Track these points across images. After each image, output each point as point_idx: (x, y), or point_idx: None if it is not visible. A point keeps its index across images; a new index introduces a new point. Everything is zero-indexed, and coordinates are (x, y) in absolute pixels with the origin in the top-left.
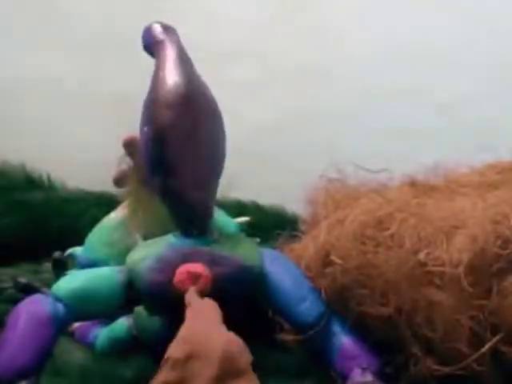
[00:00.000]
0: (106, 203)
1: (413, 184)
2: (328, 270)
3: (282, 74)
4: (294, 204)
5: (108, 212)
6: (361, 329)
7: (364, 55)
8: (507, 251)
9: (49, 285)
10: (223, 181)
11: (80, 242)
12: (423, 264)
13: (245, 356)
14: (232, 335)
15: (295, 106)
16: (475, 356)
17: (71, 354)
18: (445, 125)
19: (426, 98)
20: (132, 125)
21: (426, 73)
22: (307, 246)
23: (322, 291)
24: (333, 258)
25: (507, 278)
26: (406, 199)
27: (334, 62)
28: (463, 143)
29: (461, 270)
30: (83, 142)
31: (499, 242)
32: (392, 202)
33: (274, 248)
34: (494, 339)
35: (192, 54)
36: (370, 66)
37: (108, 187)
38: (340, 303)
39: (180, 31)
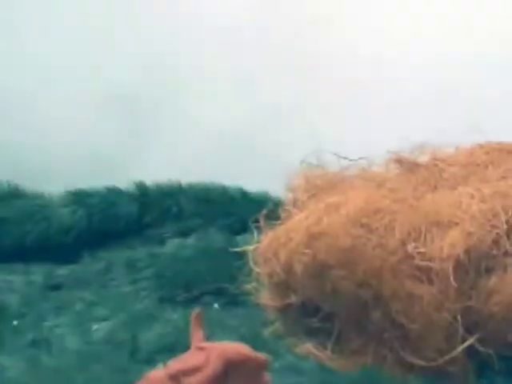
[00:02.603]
0: None
1: (399, 161)
2: (312, 245)
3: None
4: (278, 190)
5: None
6: (333, 310)
7: (352, 44)
8: (498, 251)
9: None
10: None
11: None
12: (410, 256)
13: None
14: None
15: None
16: (452, 354)
17: None
18: (432, 111)
19: (414, 84)
20: None
21: (413, 59)
22: (297, 226)
23: (301, 267)
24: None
25: (493, 278)
26: (405, 190)
27: (322, 54)
28: (450, 126)
29: (450, 265)
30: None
31: (492, 241)
32: (391, 192)
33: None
34: (472, 339)
35: None
36: (358, 56)
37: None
38: (316, 281)
39: None
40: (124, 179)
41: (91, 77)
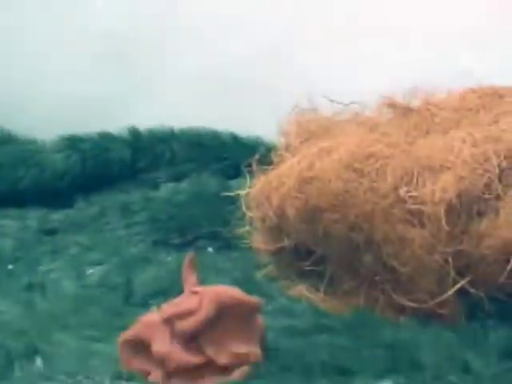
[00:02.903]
0: None
1: (391, 105)
2: (304, 190)
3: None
4: (270, 135)
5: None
6: (326, 253)
7: None
8: (490, 195)
9: None
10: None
11: None
12: (402, 200)
13: None
14: None
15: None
16: (443, 297)
17: None
18: (421, 54)
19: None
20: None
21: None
22: (289, 171)
23: (293, 211)
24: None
25: (484, 222)
26: (397, 135)
27: None
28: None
29: (442, 208)
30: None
31: (484, 185)
32: (384, 136)
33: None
34: (463, 281)
35: None
36: None
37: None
38: (308, 225)
39: None
40: (117, 125)
41: (82, 25)
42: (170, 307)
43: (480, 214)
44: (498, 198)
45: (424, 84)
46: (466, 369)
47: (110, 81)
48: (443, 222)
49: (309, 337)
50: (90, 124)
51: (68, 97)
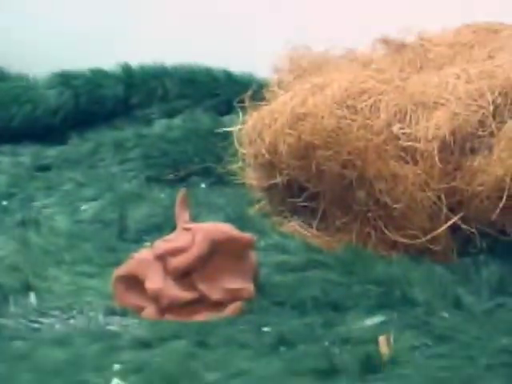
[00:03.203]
0: None
1: (385, 42)
2: (297, 126)
3: None
4: (263, 71)
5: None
6: (319, 190)
7: None
8: (484, 132)
9: None
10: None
11: None
12: (395, 137)
13: None
14: None
15: None
16: (436, 233)
17: None
18: None
19: None
20: None
21: None
22: (282, 107)
23: (286, 148)
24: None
25: (478, 158)
26: (391, 71)
27: None
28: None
29: (435, 145)
30: None
31: (478, 122)
32: (377, 73)
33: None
34: (455, 218)
35: None
36: None
37: None
38: (301, 162)
39: None
40: (110, 61)
41: None
42: (163, 244)
43: (473, 151)
44: (491, 134)
45: (419, 20)
46: (457, 304)
47: (101, 17)
48: (436, 158)
49: (301, 272)
50: (80, 61)
51: (60, 31)
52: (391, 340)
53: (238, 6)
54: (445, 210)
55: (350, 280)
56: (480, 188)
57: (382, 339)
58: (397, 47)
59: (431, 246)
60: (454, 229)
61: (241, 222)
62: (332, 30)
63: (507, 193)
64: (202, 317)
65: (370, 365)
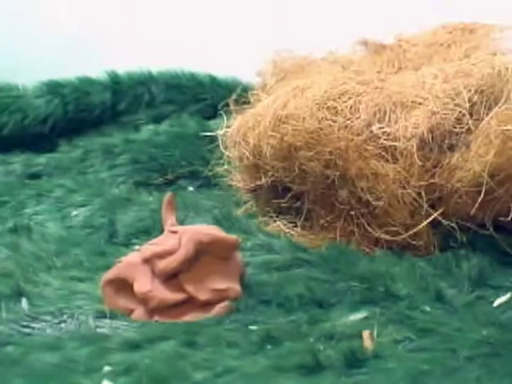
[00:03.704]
0: None
1: (364, 43)
2: (279, 128)
3: None
4: (247, 75)
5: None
6: (302, 190)
7: None
8: (461, 129)
9: None
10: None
11: None
12: (375, 137)
13: None
14: None
15: None
16: (417, 229)
17: None
18: None
19: None
20: None
21: None
22: (265, 110)
23: (269, 150)
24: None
25: (456, 155)
26: (370, 72)
27: None
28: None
29: (413, 143)
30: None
31: (455, 119)
32: (357, 74)
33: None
34: (436, 213)
35: None
36: None
37: None
38: (284, 163)
39: None
40: (96, 69)
41: None
42: (150, 247)
43: (451, 148)
44: (469, 131)
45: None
46: (439, 298)
47: (87, 26)
48: (415, 156)
49: (287, 271)
50: (69, 65)
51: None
52: (374, 334)
53: (222, 12)
54: (425, 206)
55: (334, 277)
56: (458, 184)
57: (365, 334)
58: (376, 48)
59: (413, 242)
60: (435, 224)
61: (228, 222)
62: (314, 34)
63: (485, 188)
64: (190, 317)
65: (354, 360)
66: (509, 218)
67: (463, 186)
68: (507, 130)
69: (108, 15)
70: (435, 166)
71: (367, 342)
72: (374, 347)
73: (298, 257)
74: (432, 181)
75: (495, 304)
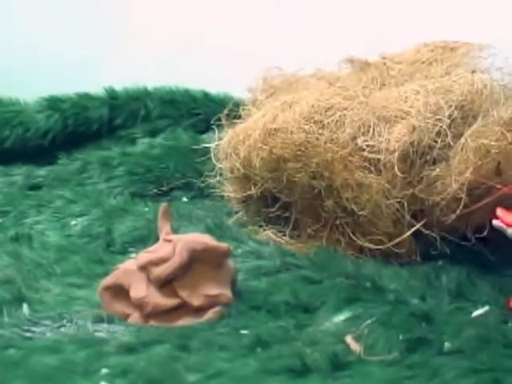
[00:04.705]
0: None
1: (350, 61)
2: (269, 141)
3: None
4: (238, 91)
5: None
6: (290, 200)
7: None
8: (441, 143)
9: None
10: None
11: None
12: (360, 149)
13: None
14: None
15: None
16: (401, 238)
17: None
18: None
19: None
20: None
21: None
22: (255, 124)
23: (259, 161)
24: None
25: (436, 169)
26: (355, 88)
27: None
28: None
29: (395, 156)
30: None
31: (435, 134)
32: (342, 90)
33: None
34: (418, 225)
35: None
36: None
37: None
38: (273, 174)
39: None
40: (95, 83)
41: None
42: (146, 255)
43: (432, 162)
44: (448, 146)
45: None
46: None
47: (85, 46)
48: (396, 169)
49: (275, 276)
50: (66, 86)
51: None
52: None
53: (215, 31)
54: (407, 216)
55: (321, 276)
56: (438, 197)
57: (349, 338)
58: (361, 65)
59: (396, 250)
60: (417, 234)
61: (220, 231)
62: (302, 52)
63: (464, 202)
64: (184, 322)
65: (339, 362)
66: (485, 233)
67: (443, 200)
68: (484, 145)
69: (105, 36)
70: (417, 179)
71: (354, 346)
72: (361, 348)
73: (286, 261)
74: (414, 193)
75: (473, 315)
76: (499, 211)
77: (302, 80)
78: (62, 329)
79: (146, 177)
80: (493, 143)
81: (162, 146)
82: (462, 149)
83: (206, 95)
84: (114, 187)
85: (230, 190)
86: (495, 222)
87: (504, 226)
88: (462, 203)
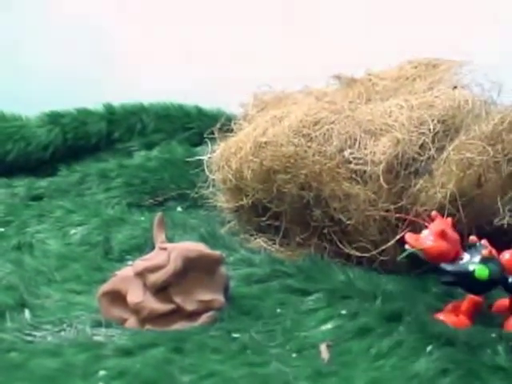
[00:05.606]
0: None
1: (337, 77)
2: (259, 154)
3: None
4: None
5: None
6: (280, 210)
7: None
8: (424, 156)
9: None
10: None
11: None
12: (347, 161)
13: None
14: None
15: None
16: (386, 246)
17: None
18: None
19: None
20: None
21: None
22: (246, 137)
23: (250, 173)
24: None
25: (419, 181)
26: (342, 102)
27: None
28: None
29: (380, 168)
30: None
31: (419, 147)
32: (330, 105)
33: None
34: (402, 233)
35: None
36: None
37: None
38: (264, 185)
39: None
40: (93, 99)
41: (56, 11)
42: (142, 262)
43: (416, 174)
44: (432, 158)
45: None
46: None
47: (84, 63)
48: (381, 180)
49: (265, 283)
50: (68, 97)
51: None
52: (330, 346)
53: (208, 50)
54: (393, 225)
55: (308, 283)
56: (422, 208)
57: (322, 346)
58: (348, 82)
59: (381, 257)
60: (402, 242)
61: (213, 240)
62: (291, 70)
63: (447, 212)
64: (178, 326)
65: (322, 367)
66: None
67: (427, 210)
68: (467, 159)
69: (103, 54)
70: (401, 190)
71: (324, 354)
72: (330, 357)
73: (276, 268)
74: (399, 203)
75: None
76: (407, 236)
77: (290, 96)
78: (62, 333)
79: (143, 188)
80: (475, 156)
81: (157, 158)
82: (445, 161)
83: (200, 110)
84: (112, 198)
85: (222, 201)
86: (406, 247)
87: (412, 249)
88: (446, 212)
